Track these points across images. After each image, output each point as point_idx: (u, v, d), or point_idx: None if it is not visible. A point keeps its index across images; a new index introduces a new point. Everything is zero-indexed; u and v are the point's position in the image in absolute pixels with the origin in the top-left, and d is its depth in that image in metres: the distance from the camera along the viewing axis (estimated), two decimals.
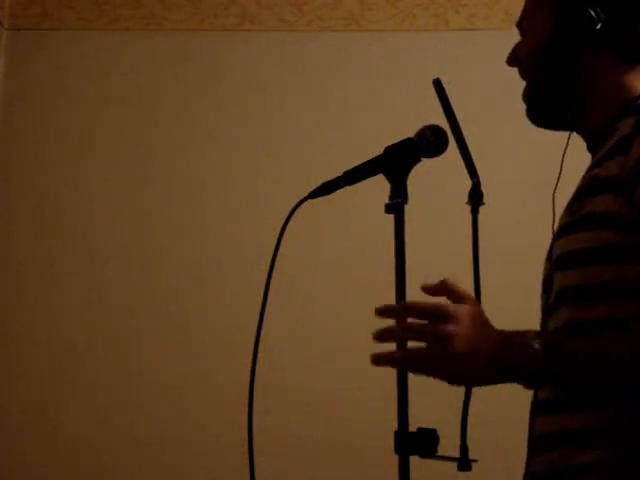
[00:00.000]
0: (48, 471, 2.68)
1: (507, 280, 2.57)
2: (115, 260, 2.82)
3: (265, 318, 1.38)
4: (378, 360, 1.12)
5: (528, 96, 1.41)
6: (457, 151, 1.36)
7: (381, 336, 1.12)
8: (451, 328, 1.09)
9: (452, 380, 1.13)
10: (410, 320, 1.13)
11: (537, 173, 2.74)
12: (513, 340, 1.11)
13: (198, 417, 2.70)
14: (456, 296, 1.13)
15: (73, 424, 2.70)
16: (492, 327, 1.14)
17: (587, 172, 1.30)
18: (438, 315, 1.11)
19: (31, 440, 2.70)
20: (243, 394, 1.39)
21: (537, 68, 1.38)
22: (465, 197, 1.35)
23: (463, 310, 1.11)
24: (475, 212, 1.35)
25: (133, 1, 3.00)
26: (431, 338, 1.10)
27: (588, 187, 1.25)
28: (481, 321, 1.13)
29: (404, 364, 1.15)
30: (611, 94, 1.32)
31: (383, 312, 1.13)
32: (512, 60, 1.44)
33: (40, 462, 2.68)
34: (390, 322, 1.14)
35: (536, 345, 1.10)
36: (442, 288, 1.14)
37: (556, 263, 1.27)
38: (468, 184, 1.36)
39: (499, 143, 2.78)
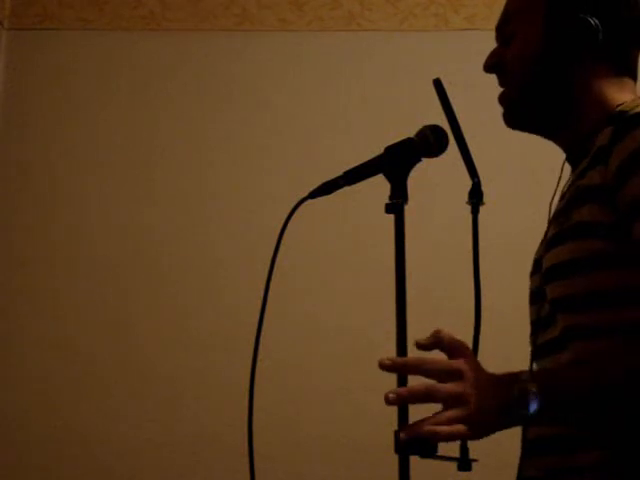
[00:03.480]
0: (48, 471, 2.68)
1: (507, 280, 2.56)
2: (116, 259, 2.82)
3: (265, 318, 1.38)
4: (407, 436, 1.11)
5: (509, 101, 1.40)
6: (457, 151, 1.35)
7: (395, 401, 1.11)
8: (467, 389, 1.10)
9: (470, 436, 1.13)
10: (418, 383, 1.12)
11: (537, 173, 2.74)
12: (511, 390, 1.11)
13: (198, 417, 2.70)
14: (451, 348, 1.13)
15: (73, 424, 2.70)
16: (489, 376, 1.14)
17: (571, 184, 1.31)
18: (448, 374, 1.11)
19: (30, 441, 2.70)
20: (243, 394, 1.39)
21: (527, 76, 1.36)
22: (465, 197, 1.35)
23: (468, 366, 1.12)
24: (475, 212, 1.34)
25: (133, 1, 3.00)
26: (450, 401, 1.10)
27: (573, 198, 1.26)
28: (483, 374, 1.13)
29: (431, 433, 1.12)
30: (595, 105, 1.32)
31: (389, 368, 1.13)
32: (492, 67, 1.42)
33: (40, 463, 2.68)
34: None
35: (533, 390, 1.10)
36: (435, 341, 1.13)
37: (547, 275, 1.27)
38: (468, 184, 1.36)
39: (499, 143, 2.78)
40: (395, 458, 1.18)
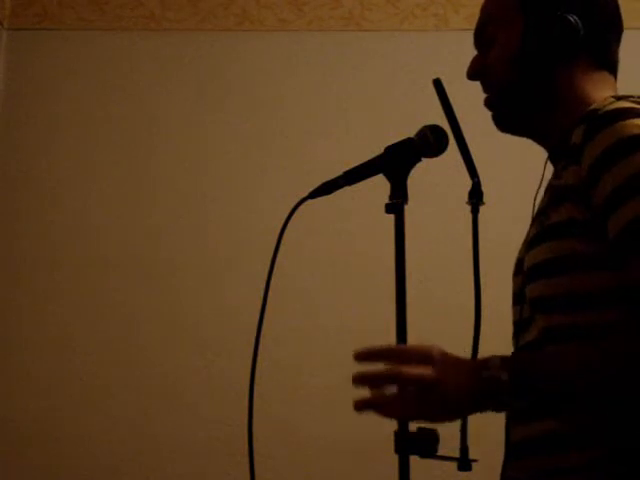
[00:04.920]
0: (48, 471, 2.68)
1: (507, 280, 2.56)
2: (116, 259, 2.82)
3: (265, 318, 1.38)
4: (361, 406, 1.11)
5: (496, 105, 1.40)
6: (457, 151, 1.35)
7: (363, 381, 1.12)
8: (438, 373, 1.10)
9: (437, 419, 1.13)
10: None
11: (537, 173, 2.74)
12: (481, 374, 1.11)
13: (199, 417, 2.70)
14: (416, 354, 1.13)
15: (73, 424, 2.70)
16: (459, 360, 1.14)
17: (550, 184, 1.31)
18: (419, 359, 1.11)
19: (31, 442, 2.70)
20: (243, 394, 1.39)
21: (509, 79, 1.36)
22: (465, 197, 1.35)
23: (438, 351, 1.12)
24: (475, 212, 1.34)
25: (133, 1, 3.00)
26: (421, 384, 1.10)
27: (552, 198, 1.26)
28: (453, 358, 1.13)
29: (392, 411, 1.13)
30: (578, 104, 1.31)
31: (363, 358, 1.13)
32: (475, 74, 1.41)
33: (40, 462, 2.68)
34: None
35: (504, 377, 1.10)
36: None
37: (527, 275, 1.27)
38: (468, 184, 1.36)
39: (499, 143, 2.78)
40: (395, 458, 1.18)
